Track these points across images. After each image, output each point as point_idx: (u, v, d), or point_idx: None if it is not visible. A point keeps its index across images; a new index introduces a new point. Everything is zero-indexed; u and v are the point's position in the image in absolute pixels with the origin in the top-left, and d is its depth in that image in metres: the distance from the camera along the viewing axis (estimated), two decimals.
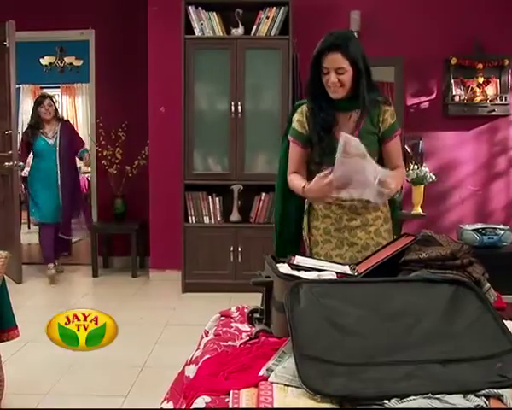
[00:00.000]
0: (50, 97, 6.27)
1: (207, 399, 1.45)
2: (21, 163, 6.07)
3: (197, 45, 5.42)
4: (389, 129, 2.69)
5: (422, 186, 5.35)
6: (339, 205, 2.68)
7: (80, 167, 7.87)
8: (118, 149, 6.28)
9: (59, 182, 6.03)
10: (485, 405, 1.34)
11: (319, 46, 2.55)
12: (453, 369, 1.45)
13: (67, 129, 6.29)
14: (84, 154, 6.40)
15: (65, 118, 6.80)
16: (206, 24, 5.41)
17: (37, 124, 6.08)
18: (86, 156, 6.46)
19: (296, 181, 2.71)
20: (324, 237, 2.75)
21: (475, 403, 1.34)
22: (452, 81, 5.66)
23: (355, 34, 2.95)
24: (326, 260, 2.38)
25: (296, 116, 2.74)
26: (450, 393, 1.36)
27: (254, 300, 2.05)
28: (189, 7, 5.40)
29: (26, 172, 6.91)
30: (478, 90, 5.63)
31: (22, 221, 7.85)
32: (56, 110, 6.27)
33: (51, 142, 6.05)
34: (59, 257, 6.34)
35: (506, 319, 1.67)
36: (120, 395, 3.28)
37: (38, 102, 6.15)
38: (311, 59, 2.58)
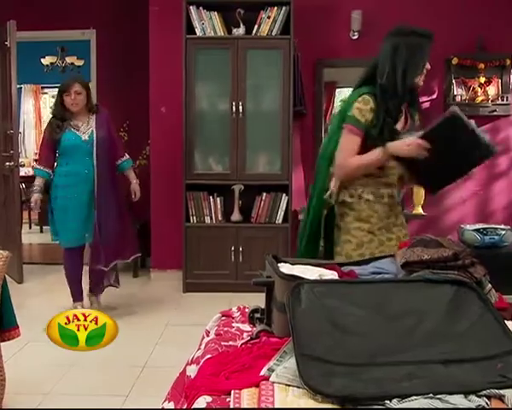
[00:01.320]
0: (80, 82, 4.57)
1: (208, 399, 1.45)
2: (45, 169, 4.53)
3: (198, 45, 5.42)
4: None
5: None
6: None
7: None
8: None
9: (95, 192, 4.47)
10: (486, 405, 1.34)
11: (426, 36, 2.78)
12: (454, 369, 1.45)
13: (105, 120, 4.64)
14: (125, 168, 4.81)
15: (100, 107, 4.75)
16: (208, 24, 5.41)
17: (61, 115, 4.52)
18: (130, 175, 4.85)
19: (363, 156, 2.73)
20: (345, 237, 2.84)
21: (477, 403, 1.34)
22: (454, 81, 5.66)
23: None
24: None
25: (356, 104, 2.74)
26: (451, 393, 1.36)
27: (255, 300, 2.05)
28: (191, 7, 5.39)
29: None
30: (479, 90, 5.63)
31: (23, 221, 7.88)
32: (89, 99, 4.60)
33: (85, 137, 4.48)
34: (97, 292, 4.80)
35: (507, 320, 1.67)
36: (121, 395, 3.28)
37: (64, 88, 4.52)
38: (417, 48, 2.73)
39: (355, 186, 2.81)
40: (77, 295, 4.64)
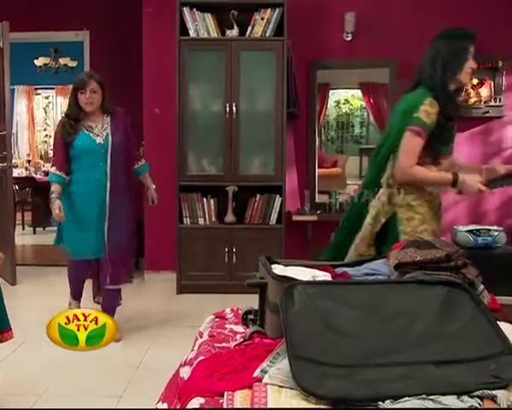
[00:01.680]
0: (97, 79, 4.05)
1: (202, 400, 1.45)
2: (62, 175, 4.01)
3: (192, 46, 5.41)
4: None
5: None
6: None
7: None
8: None
9: (107, 202, 4.03)
10: (478, 406, 1.35)
11: (468, 36, 2.85)
12: (447, 370, 1.46)
13: (121, 121, 4.22)
14: (142, 172, 4.44)
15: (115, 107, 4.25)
16: (201, 25, 5.41)
17: (76, 115, 4.04)
18: (147, 181, 4.51)
19: (429, 173, 2.83)
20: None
21: (469, 404, 1.35)
22: None
23: None
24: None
25: (423, 107, 2.79)
26: (444, 394, 1.37)
27: (249, 301, 2.05)
28: (184, 8, 5.39)
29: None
30: (472, 91, 5.65)
31: (16, 222, 7.85)
32: (104, 98, 4.10)
33: (99, 141, 4.03)
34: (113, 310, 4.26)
35: (500, 321, 1.67)
36: (115, 396, 3.27)
37: (78, 86, 4.04)
38: (459, 48, 2.83)
39: (419, 189, 2.88)
40: (75, 295, 4.35)
